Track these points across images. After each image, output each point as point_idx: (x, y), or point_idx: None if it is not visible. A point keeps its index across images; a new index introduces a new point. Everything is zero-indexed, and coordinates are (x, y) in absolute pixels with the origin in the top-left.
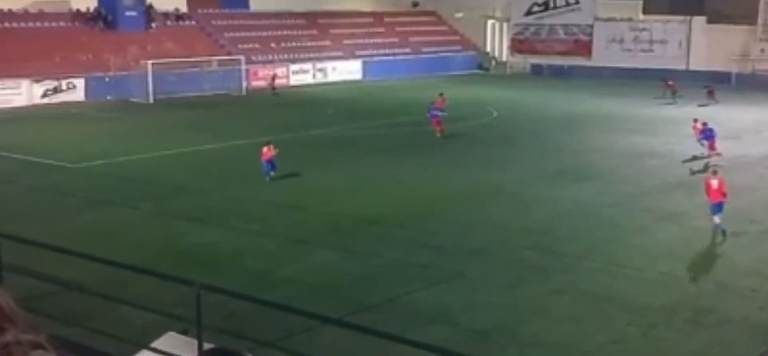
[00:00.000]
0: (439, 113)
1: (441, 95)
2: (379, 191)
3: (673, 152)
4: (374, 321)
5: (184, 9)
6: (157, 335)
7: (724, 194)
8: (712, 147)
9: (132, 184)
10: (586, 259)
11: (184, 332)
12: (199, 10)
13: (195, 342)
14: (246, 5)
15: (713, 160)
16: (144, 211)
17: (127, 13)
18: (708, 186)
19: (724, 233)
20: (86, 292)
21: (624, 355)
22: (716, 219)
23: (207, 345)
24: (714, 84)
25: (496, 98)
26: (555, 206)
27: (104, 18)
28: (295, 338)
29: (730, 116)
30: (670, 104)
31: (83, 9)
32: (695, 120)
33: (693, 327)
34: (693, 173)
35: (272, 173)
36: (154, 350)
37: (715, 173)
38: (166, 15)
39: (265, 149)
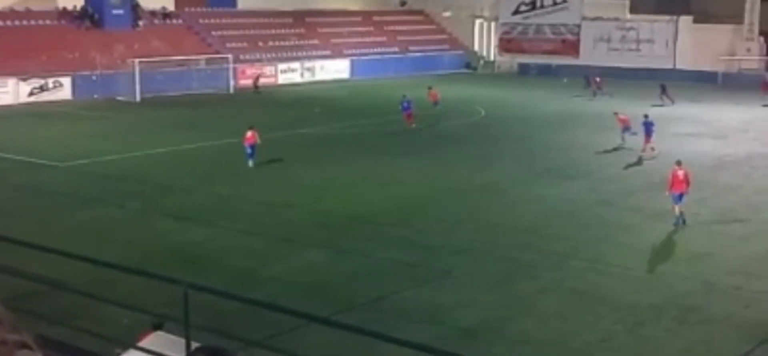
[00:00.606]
0: (410, 107)
1: (430, 88)
2: (367, 189)
3: (661, 152)
4: (362, 320)
5: (171, 7)
6: (144, 334)
7: (687, 184)
8: (647, 141)
9: (119, 183)
10: (573, 257)
11: (159, 326)
12: (187, 9)
13: (182, 341)
14: (233, 4)
15: (647, 153)
16: (131, 210)
17: (114, 12)
18: (674, 176)
19: (684, 222)
20: (73, 291)
21: (611, 353)
22: (677, 209)
23: (194, 344)
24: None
25: (484, 97)
26: (543, 205)
27: (91, 16)
28: (283, 337)
29: (716, 116)
30: (591, 100)
31: (70, 7)
32: (616, 113)
33: (679, 325)
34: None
35: (251, 161)
36: (142, 349)
37: (679, 163)
38: (153, 13)
39: (248, 133)
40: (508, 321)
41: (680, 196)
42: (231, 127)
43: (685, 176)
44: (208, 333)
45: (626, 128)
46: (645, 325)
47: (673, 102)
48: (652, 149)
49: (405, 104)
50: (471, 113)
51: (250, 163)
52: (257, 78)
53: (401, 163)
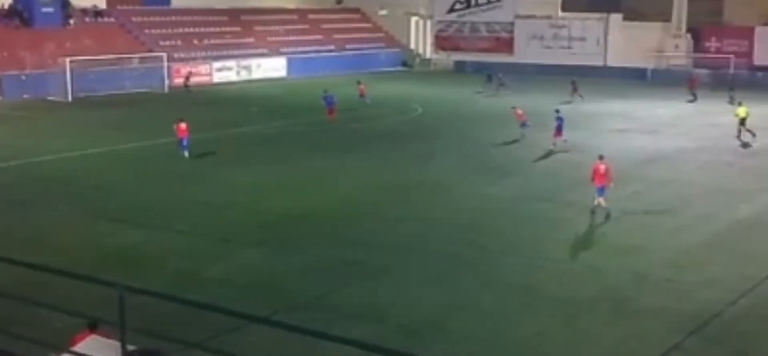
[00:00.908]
0: (333, 101)
1: (359, 82)
2: (306, 188)
3: (592, 148)
4: (302, 319)
5: (102, 5)
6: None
7: (609, 179)
8: (558, 134)
9: (51, 185)
10: (511, 253)
11: (94, 325)
12: (119, 7)
13: (118, 344)
14: (167, 2)
15: (557, 146)
16: (64, 212)
17: (44, 10)
18: (596, 170)
19: (607, 215)
20: (3, 296)
21: (548, 346)
22: (601, 201)
23: (130, 347)
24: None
25: (420, 95)
26: (480, 201)
27: (20, 14)
28: (222, 338)
29: (646, 112)
30: (492, 96)
31: None
32: (513, 108)
33: (614, 317)
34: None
35: (186, 152)
36: (76, 353)
37: (601, 158)
38: (84, 11)
39: (182, 125)
40: (448, 317)
41: (602, 189)
42: (166, 127)
43: (607, 170)
44: (145, 335)
45: (523, 123)
46: (580, 318)
47: (582, 98)
48: (565, 141)
49: (328, 99)
50: (408, 110)
51: (185, 154)
52: (188, 76)
53: (340, 161)
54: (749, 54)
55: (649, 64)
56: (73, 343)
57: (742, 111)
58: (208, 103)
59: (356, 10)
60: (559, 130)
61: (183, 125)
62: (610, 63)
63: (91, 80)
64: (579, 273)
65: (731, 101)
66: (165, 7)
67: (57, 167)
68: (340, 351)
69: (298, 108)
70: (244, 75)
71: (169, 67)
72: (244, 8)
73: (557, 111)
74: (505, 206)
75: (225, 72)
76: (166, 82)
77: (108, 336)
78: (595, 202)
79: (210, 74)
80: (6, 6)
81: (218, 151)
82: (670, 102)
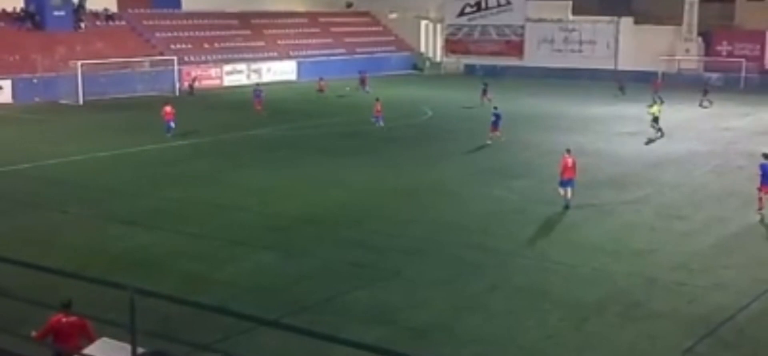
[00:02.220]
0: (261, 94)
1: (321, 79)
2: (316, 191)
3: (601, 151)
4: (311, 322)
5: (114, 9)
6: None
7: (575, 171)
8: (494, 129)
9: (62, 187)
10: (520, 255)
11: (68, 305)
12: (130, 10)
13: (129, 346)
14: (178, 5)
15: (494, 140)
16: (75, 215)
17: (56, 13)
18: (564, 164)
19: (567, 206)
20: (15, 298)
21: (558, 349)
22: (567, 193)
23: (141, 350)
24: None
25: (430, 98)
26: (489, 204)
27: (32, 18)
28: (232, 340)
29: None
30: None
31: (9, 9)
32: (377, 99)
33: (623, 321)
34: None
35: (170, 133)
36: None
37: (569, 151)
38: (95, 15)
39: (167, 108)
40: (457, 320)
41: (569, 181)
42: (177, 130)
43: (574, 163)
44: (155, 338)
45: (376, 117)
46: (590, 321)
47: (490, 101)
48: (500, 137)
49: (257, 92)
50: (418, 113)
51: (169, 134)
52: (193, 81)
53: (350, 164)
54: (761, 58)
55: (660, 68)
56: (50, 326)
57: (655, 109)
58: (218, 106)
59: (366, 14)
60: (494, 125)
61: (168, 109)
62: (621, 66)
63: (102, 83)
64: (589, 276)
65: (701, 104)
66: (176, 11)
67: (68, 169)
68: (349, 354)
69: (308, 111)
70: (254, 78)
71: (179, 71)
72: (255, 12)
73: (495, 108)
74: (514, 209)
75: (235, 75)
76: (177, 85)
77: (81, 319)
78: (562, 193)
79: (220, 77)
80: (18, 9)
81: (230, 154)
82: (681, 105)
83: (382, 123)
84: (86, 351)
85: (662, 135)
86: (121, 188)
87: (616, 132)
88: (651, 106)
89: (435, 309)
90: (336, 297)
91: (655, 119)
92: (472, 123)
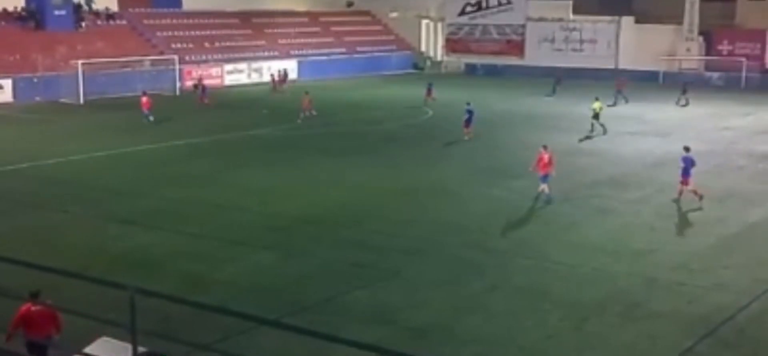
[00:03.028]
0: (205, 90)
1: (279, 72)
2: (316, 191)
3: (603, 151)
4: (311, 322)
5: (114, 8)
6: (90, 340)
7: (551, 166)
8: (467, 125)
9: (62, 187)
10: (519, 255)
11: (36, 295)
12: (130, 9)
13: (129, 346)
14: (178, 4)
15: (466, 138)
16: (75, 214)
17: (56, 13)
18: (540, 159)
19: (548, 200)
20: (15, 298)
21: (558, 349)
22: (544, 188)
23: (141, 349)
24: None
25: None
26: (489, 204)
27: (33, 17)
28: (232, 340)
29: (657, 115)
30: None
31: (10, 9)
32: (306, 93)
33: (624, 321)
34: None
35: (147, 119)
36: (88, 355)
37: (545, 147)
38: (96, 14)
39: (144, 99)
40: (457, 320)
41: (545, 177)
42: (178, 130)
43: (550, 158)
44: (155, 338)
45: (304, 111)
46: (590, 321)
47: (434, 100)
48: (469, 135)
49: (200, 88)
50: (418, 113)
51: (151, 119)
52: (201, 81)
53: (350, 164)
54: (761, 57)
55: (661, 67)
56: (19, 316)
57: (597, 106)
58: (219, 105)
59: (367, 13)
60: (467, 123)
61: (145, 99)
62: (622, 65)
63: (103, 83)
64: (588, 276)
65: (678, 102)
66: (176, 10)
67: (68, 169)
68: (349, 354)
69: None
70: (254, 78)
71: (180, 70)
72: (255, 11)
73: (468, 104)
74: (513, 209)
75: (236, 75)
76: (178, 84)
77: (50, 308)
78: (539, 189)
79: (221, 77)
80: (18, 9)
81: (230, 153)
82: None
83: (306, 114)
84: (87, 350)
85: (605, 132)
86: (122, 187)
87: (616, 132)
88: (594, 102)
89: (435, 309)
90: (336, 297)
91: (596, 116)
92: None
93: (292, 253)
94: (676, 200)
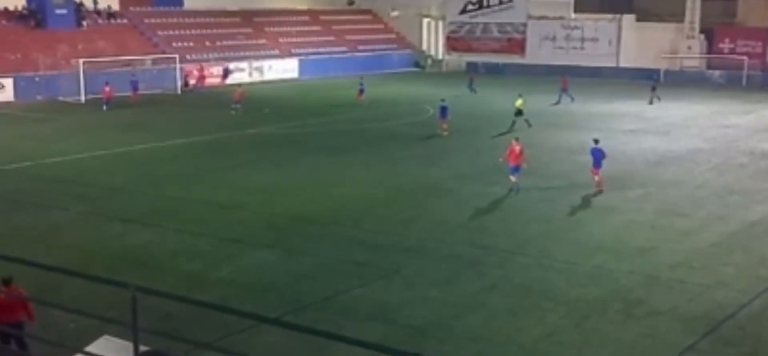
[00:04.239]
0: (136, 85)
1: (238, 87)
2: (316, 189)
3: (605, 148)
4: (312, 320)
5: (116, 7)
6: (92, 339)
7: (523, 158)
8: (442, 121)
9: (63, 185)
10: (520, 254)
11: (8, 281)
12: (132, 8)
13: (130, 344)
14: (180, 3)
15: (441, 131)
16: (76, 213)
17: (57, 11)
18: (511, 151)
19: (518, 191)
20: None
21: (558, 348)
22: (513, 179)
23: (143, 348)
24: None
25: (432, 96)
26: (489, 202)
27: (34, 16)
28: (233, 338)
29: (658, 113)
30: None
31: (11, 7)
32: (239, 86)
33: (625, 318)
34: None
35: (106, 107)
36: (89, 354)
37: (517, 140)
38: (97, 13)
39: (107, 88)
40: (457, 318)
41: (516, 168)
42: (178, 128)
43: (521, 151)
44: (156, 336)
45: (236, 102)
46: (591, 319)
47: (363, 102)
48: (445, 128)
49: (133, 82)
50: (419, 111)
51: (105, 108)
52: (198, 75)
53: (350, 162)
54: (763, 55)
55: (662, 65)
56: None
57: (519, 102)
58: (220, 104)
59: (368, 12)
60: (442, 117)
61: (108, 88)
62: (623, 64)
63: (104, 82)
64: (589, 273)
65: (651, 101)
66: (178, 9)
67: (69, 168)
68: (349, 352)
69: (309, 109)
70: (256, 76)
71: (181, 69)
72: (256, 10)
73: (443, 100)
74: (513, 207)
75: (237, 73)
76: (179, 83)
77: (21, 293)
78: (513, 180)
79: (222, 76)
80: (20, 8)
81: (231, 152)
82: (683, 103)
83: (238, 107)
84: (89, 348)
85: (529, 126)
86: (122, 186)
87: (617, 129)
88: (517, 99)
89: (435, 308)
90: (336, 296)
91: (519, 112)
92: (473, 121)
93: (292, 251)
94: (596, 193)
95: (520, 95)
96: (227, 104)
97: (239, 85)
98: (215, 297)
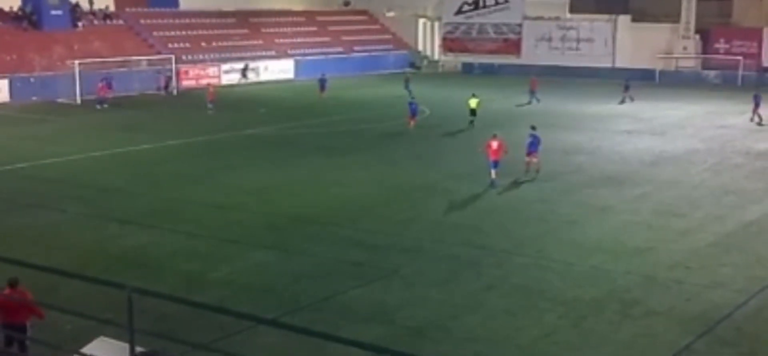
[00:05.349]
0: (111, 80)
1: (209, 86)
2: (314, 190)
3: (599, 148)
4: (309, 321)
5: (112, 8)
6: (88, 340)
7: (502, 153)
8: (412, 118)
9: (60, 186)
10: (517, 254)
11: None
12: (127, 9)
13: (126, 346)
14: (175, 4)
15: (411, 127)
16: (73, 214)
17: (53, 12)
18: (489, 146)
19: (494, 185)
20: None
21: (556, 348)
22: (493, 174)
23: (139, 349)
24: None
25: (428, 97)
26: (487, 202)
27: (29, 17)
28: (230, 339)
29: (654, 113)
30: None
31: (6, 8)
32: (209, 86)
33: (622, 318)
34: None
35: (101, 105)
36: (85, 355)
37: (495, 136)
38: (93, 14)
39: (100, 84)
40: (455, 318)
41: (495, 163)
42: (174, 129)
43: (499, 146)
44: (153, 337)
45: (210, 101)
46: (588, 319)
47: (323, 93)
48: (413, 125)
49: (106, 79)
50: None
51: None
52: (167, 82)
53: (347, 163)
54: (758, 55)
55: (658, 66)
56: None
57: (473, 102)
58: (217, 105)
59: (364, 12)
60: (413, 114)
61: (101, 84)
62: (619, 64)
63: (99, 81)
64: (586, 274)
65: (622, 101)
66: (173, 10)
67: (66, 169)
68: (347, 353)
69: (306, 110)
70: (251, 77)
71: (177, 70)
72: (252, 10)
73: (412, 98)
74: (510, 207)
75: (233, 74)
76: (174, 84)
77: (27, 294)
78: (493, 175)
79: (218, 76)
80: (15, 8)
81: (228, 153)
82: (678, 103)
83: (211, 107)
84: (85, 349)
85: (472, 125)
86: (119, 187)
87: (613, 130)
88: (470, 98)
89: (433, 308)
90: (334, 296)
91: (473, 112)
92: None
93: (290, 252)
94: (526, 172)
95: (473, 95)
96: (223, 104)
97: (209, 83)
98: (213, 297)
